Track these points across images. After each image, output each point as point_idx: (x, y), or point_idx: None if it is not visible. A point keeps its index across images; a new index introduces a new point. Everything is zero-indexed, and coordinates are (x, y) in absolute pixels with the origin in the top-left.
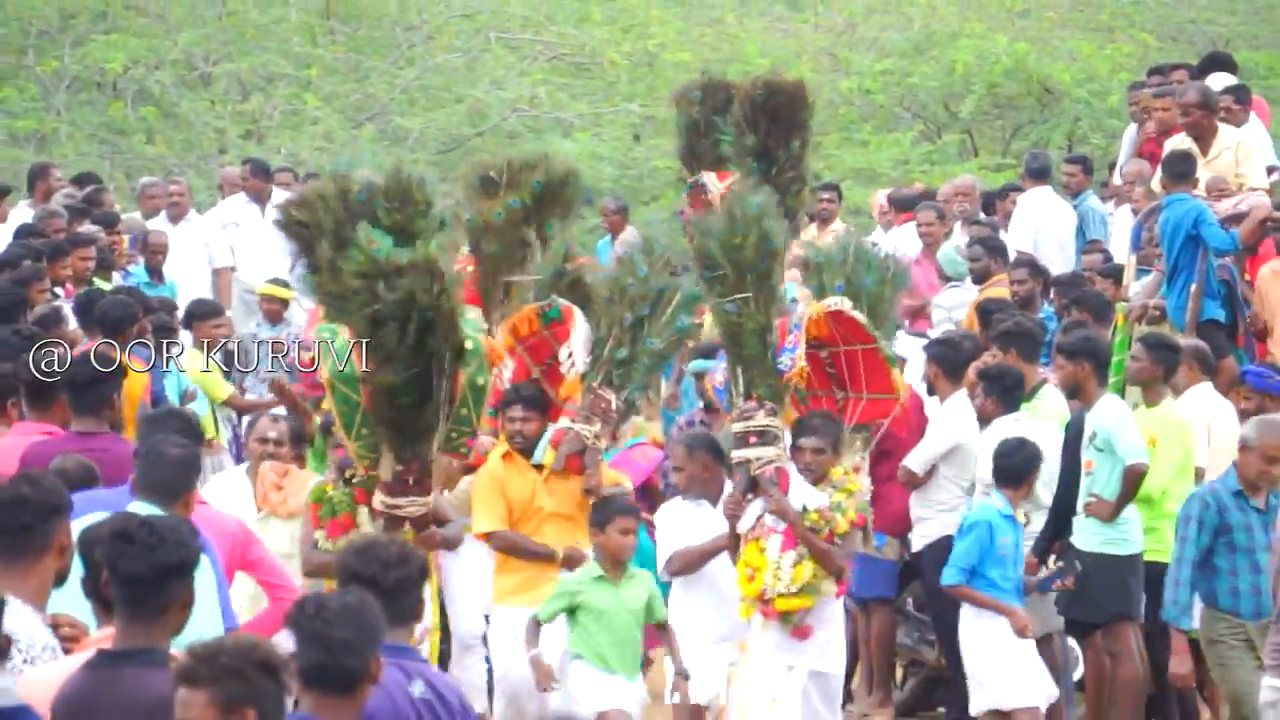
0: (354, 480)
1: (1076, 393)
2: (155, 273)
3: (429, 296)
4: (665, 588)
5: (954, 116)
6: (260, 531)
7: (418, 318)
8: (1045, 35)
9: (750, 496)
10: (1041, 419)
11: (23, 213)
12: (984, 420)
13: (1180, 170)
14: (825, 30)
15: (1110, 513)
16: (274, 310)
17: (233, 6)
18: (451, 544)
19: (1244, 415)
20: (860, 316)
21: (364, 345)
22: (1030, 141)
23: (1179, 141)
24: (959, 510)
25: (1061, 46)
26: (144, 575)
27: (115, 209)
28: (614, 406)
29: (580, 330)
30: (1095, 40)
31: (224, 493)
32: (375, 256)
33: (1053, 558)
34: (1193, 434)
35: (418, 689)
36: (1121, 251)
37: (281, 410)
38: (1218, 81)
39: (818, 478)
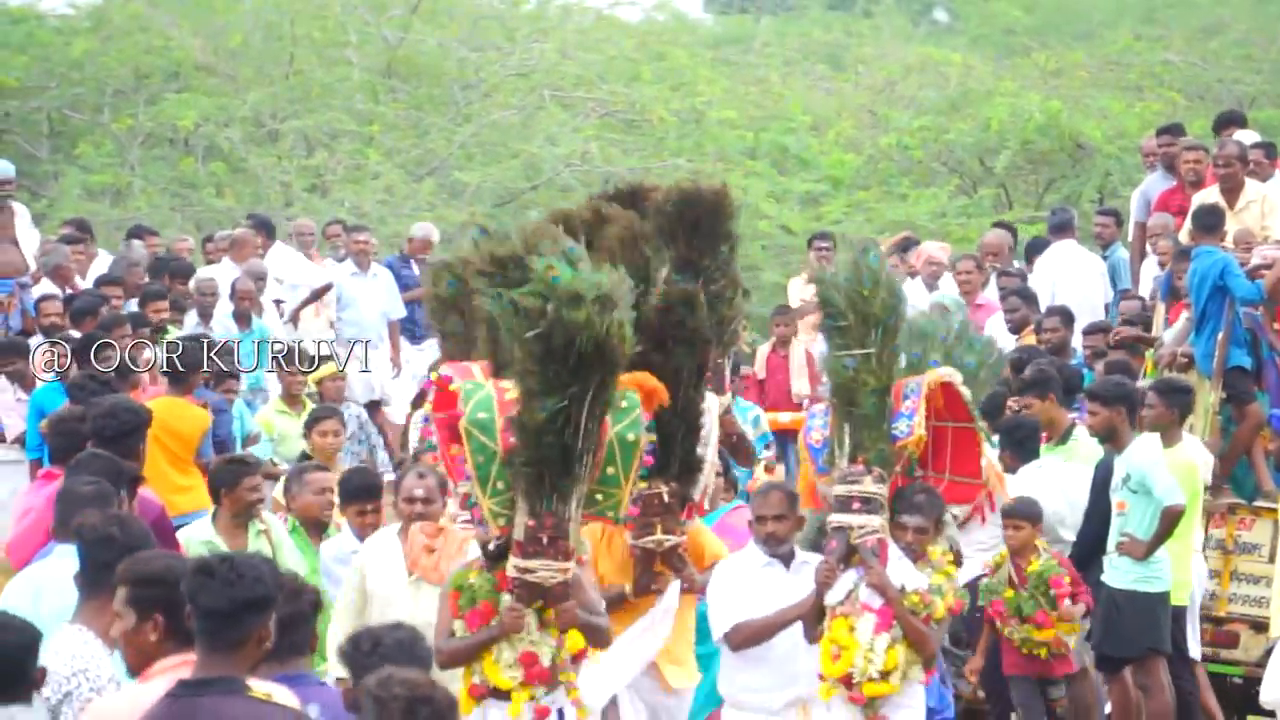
0: (489, 547)
1: (1110, 437)
2: (242, 318)
3: (599, 326)
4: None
5: (989, 171)
6: (413, 597)
7: (582, 344)
8: (1077, 94)
9: (842, 567)
10: (1081, 461)
11: (104, 261)
12: (1007, 469)
13: (1208, 223)
14: (865, 89)
15: (1145, 551)
16: (335, 389)
17: (299, 66)
18: (600, 637)
19: (1269, 456)
20: (966, 393)
21: (519, 376)
22: (1062, 195)
23: (1208, 195)
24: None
25: (1092, 104)
26: (222, 609)
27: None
28: (666, 495)
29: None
30: (1125, 98)
31: (374, 555)
32: (554, 282)
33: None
34: (1200, 475)
35: (313, 712)
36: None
37: (427, 465)
38: (1246, 137)
39: (916, 557)
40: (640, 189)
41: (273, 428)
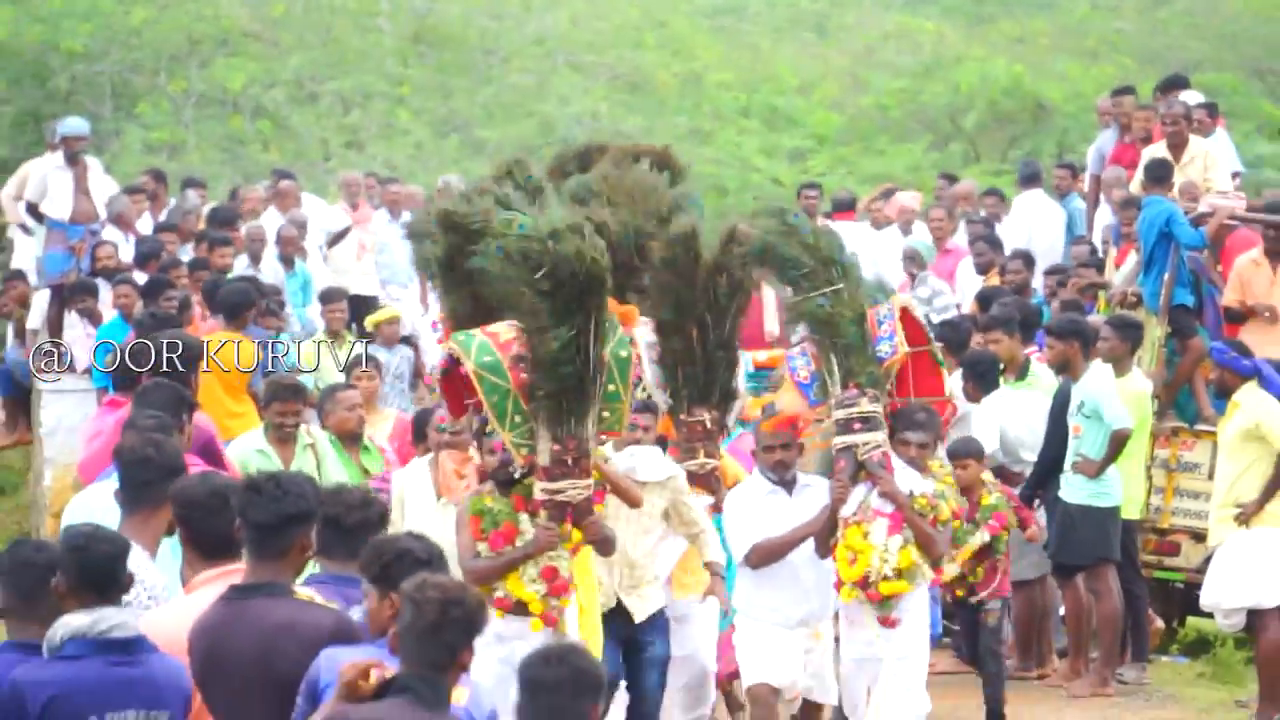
0: (515, 475)
1: (1066, 367)
2: (287, 261)
3: (587, 254)
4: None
5: (959, 129)
6: (441, 519)
7: (579, 274)
8: (1038, 59)
9: (852, 483)
10: (1041, 391)
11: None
12: (970, 399)
13: (1158, 175)
14: (848, 54)
15: (1096, 470)
16: (391, 333)
17: (336, 33)
18: (610, 546)
19: (1209, 385)
20: (921, 316)
21: (526, 317)
22: (1025, 150)
23: (1157, 149)
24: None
25: (1052, 68)
26: (269, 522)
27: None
28: (709, 422)
29: (648, 367)
30: (1082, 63)
31: (405, 484)
32: (528, 233)
33: (1036, 501)
34: (1149, 402)
35: (356, 614)
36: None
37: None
38: (1190, 98)
39: (919, 470)
40: (590, 151)
41: (312, 359)
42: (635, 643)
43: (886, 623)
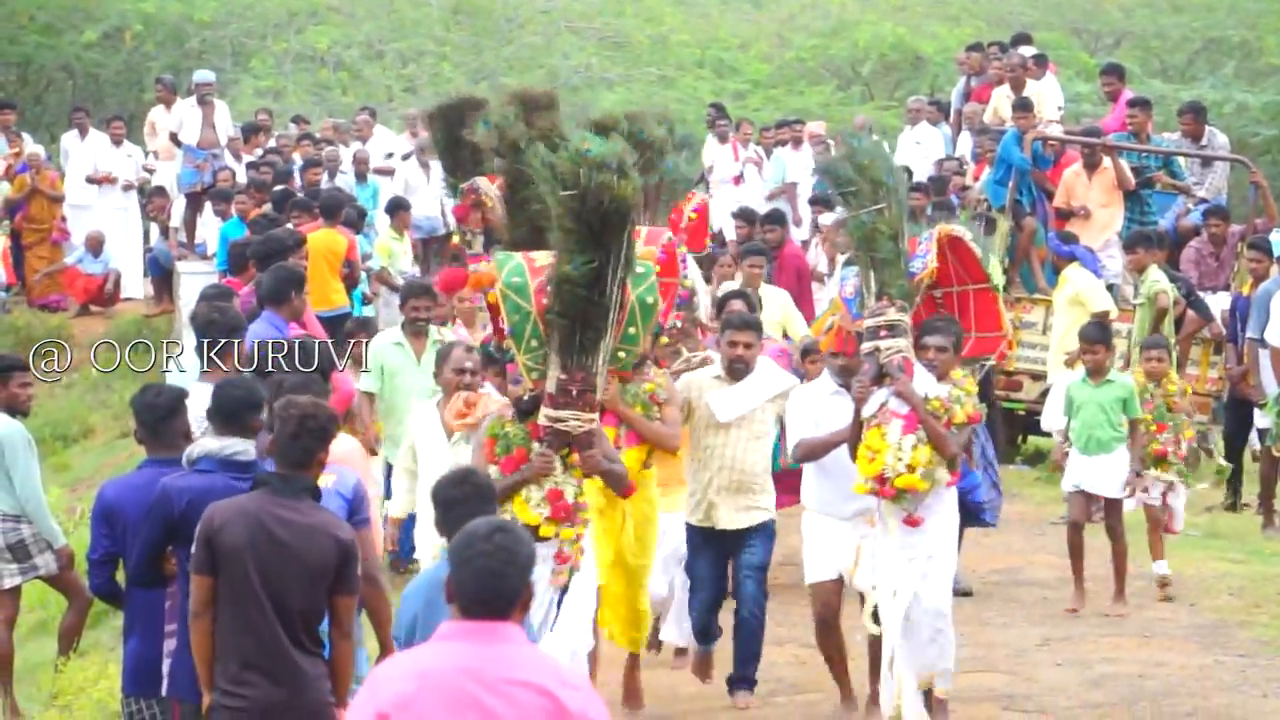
0: (523, 399)
1: None
2: (360, 176)
3: (613, 190)
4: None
5: (858, 75)
6: (455, 458)
7: (607, 206)
8: (916, 23)
9: (875, 387)
10: None
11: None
12: None
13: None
14: (775, 19)
15: None
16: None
17: (396, 6)
18: (619, 482)
19: (1044, 264)
20: (977, 250)
21: (558, 237)
22: (907, 91)
23: (1003, 91)
24: None
25: (926, 29)
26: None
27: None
28: (679, 321)
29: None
30: (948, 25)
31: (419, 424)
32: (585, 154)
33: None
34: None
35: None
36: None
37: (470, 340)
38: (1028, 51)
39: (940, 375)
40: (465, 101)
41: (387, 249)
42: (733, 551)
43: (910, 522)
